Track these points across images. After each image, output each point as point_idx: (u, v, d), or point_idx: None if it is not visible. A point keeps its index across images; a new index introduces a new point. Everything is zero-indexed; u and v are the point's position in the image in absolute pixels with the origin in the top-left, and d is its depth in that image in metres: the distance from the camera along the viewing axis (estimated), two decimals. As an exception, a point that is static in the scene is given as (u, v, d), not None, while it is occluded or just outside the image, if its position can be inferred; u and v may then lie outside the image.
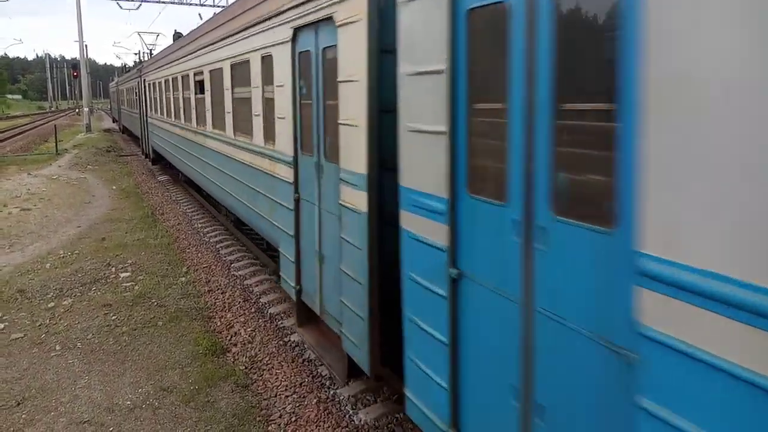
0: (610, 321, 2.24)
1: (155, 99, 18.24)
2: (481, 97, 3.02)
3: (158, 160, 20.66)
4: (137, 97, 24.83)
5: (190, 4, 35.71)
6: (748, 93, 1.67)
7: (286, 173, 6.14)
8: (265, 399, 5.23)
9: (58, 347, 6.22)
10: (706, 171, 1.80)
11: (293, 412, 5.00)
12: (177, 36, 20.71)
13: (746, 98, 1.67)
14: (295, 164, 5.88)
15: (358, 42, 4.23)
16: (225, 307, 7.46)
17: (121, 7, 36.32)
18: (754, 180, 1.67)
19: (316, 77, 5.24)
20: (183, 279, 8.50)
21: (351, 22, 4.34)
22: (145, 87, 21.24)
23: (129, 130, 34.17)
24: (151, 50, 37.08)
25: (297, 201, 5.93)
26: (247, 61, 7.38)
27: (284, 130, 6.08)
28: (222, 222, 12.04)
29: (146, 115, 21.45)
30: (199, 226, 12.15)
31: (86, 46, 42.51)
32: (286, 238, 6.33)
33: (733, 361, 1.76)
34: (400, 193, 3.76)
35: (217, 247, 10.37)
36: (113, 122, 52.84)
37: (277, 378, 5.60)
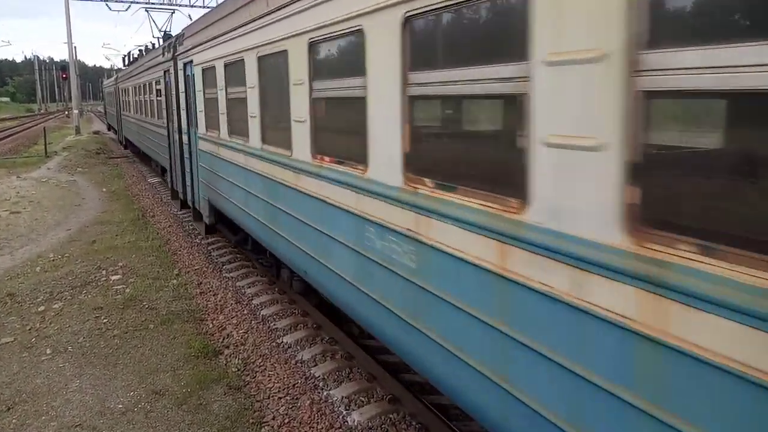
0: None
1: (226, 103, 7.71)
2: None
3: (217, 223, 9.98)
4: (162, 99, 14.07)
5: (180, 5, 35.56)
6: None
7: None
8: (258, 401, 5.22)
9: (48, 351, 6.17)
10: None
11: (286, 414, 4.99)
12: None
13: None
14: None
15: None
16: (217, 309, 7.44)
17: (110, 9, 36.11)
18: None
19: None
20: (174, 281, 8.46)
21: None
22: (184, 79, 10.53)
23: (132, 141, 24.78)
24: (165, 31, 26.34)
25: None
26: None
27: None
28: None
29: (194, 135, 10.30)
30: (190, 228, 12.10)
31: (75, 47, 42.30)
32: None
33: None
34: None
35: (209, 249, 10.33)
36: (108, 129, 45.10)
37: (270, 380, 5.59)
